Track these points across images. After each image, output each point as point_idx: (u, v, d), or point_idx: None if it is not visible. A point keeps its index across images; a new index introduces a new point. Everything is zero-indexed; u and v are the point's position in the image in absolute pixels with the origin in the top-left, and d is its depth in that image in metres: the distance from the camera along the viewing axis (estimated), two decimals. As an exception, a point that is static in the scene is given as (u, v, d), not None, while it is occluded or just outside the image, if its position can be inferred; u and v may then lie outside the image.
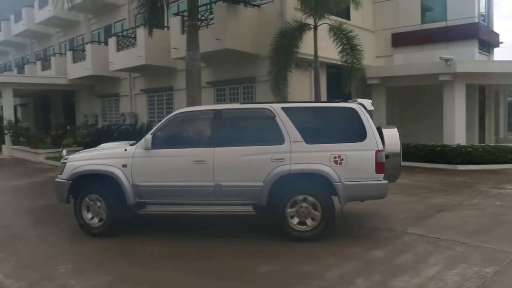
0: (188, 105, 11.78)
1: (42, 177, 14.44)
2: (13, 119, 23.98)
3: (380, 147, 6.49)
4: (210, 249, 6.50)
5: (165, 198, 7.01)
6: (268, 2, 15.18)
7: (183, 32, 15.22)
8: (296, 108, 6.98)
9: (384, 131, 6.90)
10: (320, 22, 13.64)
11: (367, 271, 5.45)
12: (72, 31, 26.84)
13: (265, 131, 6.89)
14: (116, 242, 6.93)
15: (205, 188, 6.73)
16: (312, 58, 13.90)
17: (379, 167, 6.46)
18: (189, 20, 12.21)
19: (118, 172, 6.93)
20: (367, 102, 6.92)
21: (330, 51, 14.26)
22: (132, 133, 18.01)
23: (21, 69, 30.82)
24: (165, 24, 17.72)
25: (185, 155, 6.83)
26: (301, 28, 13.81)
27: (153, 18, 13.52)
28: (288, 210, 6.59)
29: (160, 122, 7.19)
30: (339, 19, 15.04)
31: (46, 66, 26.52)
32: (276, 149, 6.60)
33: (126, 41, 19.00)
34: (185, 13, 14.88)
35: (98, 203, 7.07)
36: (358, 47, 13.95)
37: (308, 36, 13.85)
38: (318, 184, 6.55)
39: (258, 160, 6.60)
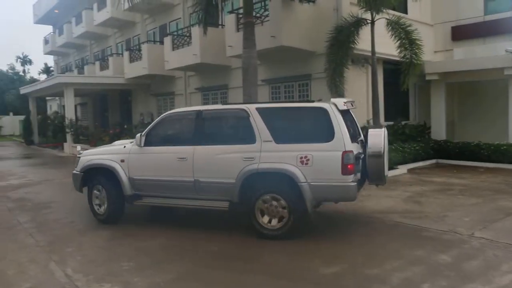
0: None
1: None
2: (73, 118, 24.87)
3: (348, 148, 6.35)
4: (262, 249, 6.47)
5: (156, 191, 7.74)
6: (323, -2, 14.97)
7: (238, 29, 15.24)
8: (269, 108, 7.17)
9: (370, 131, 7.05)
10: (377, 17, 13.29)
11: (434, 276, 5.20)
12: (128, 32, 27.57)
13: (239, 131, 7.33)
14: (177, 240, 7.04)
15: (187, 184, 7.26)
16: (369, 54, 13.58)
17: (345, 169, 6.32)
18: (245, 18, 12.19)
19: (117, 166, 7.85)
20: (340, 102, 6.80)
21: (387, 46, 13.86)
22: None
23: (81, 70, 32.01)
24: (220, 22, 17.81)
25: (171, 152, 7.47)
26: (358, 23, 13.50)
27: (208, 16, 13.61)
28: (257, 207, 6.77)
29: (152, 122, 8.01)
30: (397, 13, 14.57)
31: (104, 66, 27.39)
32: (248, 148, 6.85)
33: (181, 40, 19.26)
34: (240, 11, 14.90)
35: (102, 193, 8.04)
36: (417, 42, 13.45)
37: (365, 32, 13.52)
38: (285, 183, 6.62)
39: (231, 158, 6.93)
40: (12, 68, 68.92)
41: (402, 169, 13.24)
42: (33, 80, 53.31)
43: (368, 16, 13.40)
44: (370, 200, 9.41)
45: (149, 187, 7.74)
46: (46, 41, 40.48)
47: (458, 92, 17.79)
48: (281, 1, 14.05)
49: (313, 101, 7.57)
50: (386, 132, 7.20)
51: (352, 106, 7.36)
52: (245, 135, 6.92)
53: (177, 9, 22.32)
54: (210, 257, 6.21)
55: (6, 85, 54.43)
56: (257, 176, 6.72)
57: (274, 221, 6.73)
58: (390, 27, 13.57)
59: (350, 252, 6.19)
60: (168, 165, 7.45)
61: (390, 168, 12.45)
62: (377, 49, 13.49)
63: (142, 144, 7.62)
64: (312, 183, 6.44)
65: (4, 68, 67.31)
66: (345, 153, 6.34)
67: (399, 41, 13.49)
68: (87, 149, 9.55)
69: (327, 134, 6.48)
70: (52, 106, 43.79)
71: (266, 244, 6.59)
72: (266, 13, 14.57)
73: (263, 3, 15.02)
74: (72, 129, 23.87)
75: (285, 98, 16.03)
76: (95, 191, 8.16)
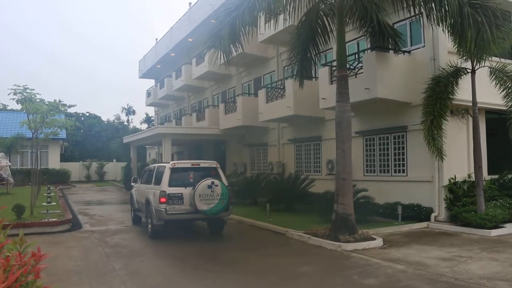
0: (338, 157, 11.64)
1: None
2: (171, 166, 25.85)
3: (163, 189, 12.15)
4: None
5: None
6: (419, 48, 14.67)
7: (331, 82, 15.30)
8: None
9: None
10: (478, 66, 12.71)
11: None
12: (224, 84, 28.72)
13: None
14: None
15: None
16: (470, 104, 12.95)
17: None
18: (338, 71, 12.19)
19: (133, 193, 15.78)
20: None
21: (490, 95, 13.18)
22: (279, 182, 18.29)
23: (178, 120, 33.64)
24: (313, 75, 18.02)
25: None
26: (457, 73, 13.01)
27: (303, 69, 13.80)
28: None
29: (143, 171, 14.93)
30: (502, 60, 13.75)
31: (200, 117, 28.58)
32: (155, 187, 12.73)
33: (275, 92, 19.66)
34: (333, 63, 14.98)
35: None
36: (526, 90, 12.62)
37: (465, 81, 12.98)
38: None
39: (152, 192, 12.79)
40: (118, 118, 74.15)
41: (509, 228, 12.17)
42: (135, 130, 56.84)
43: (468, 65, 12.88)
44: (473, 262, 8.73)
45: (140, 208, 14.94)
46: (148, 94, 43.31)
47: None
48: (375, 53, 13.95)
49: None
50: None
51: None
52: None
53: (271, 62, 22.96)
54: None
55: (111, 134, 58.45)
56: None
57: None
58: (494, 76, 12.90)
59: None
60: (142, 194, 14.47)
61: (495, 226, 11.63)
62: (478, 99, 12.84)
63: (136, 183, 15.27)
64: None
65: (111, 118, 72.66)
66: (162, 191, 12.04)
67: (504, 91, 12.75)
68: None
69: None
70: (151, 154, 46.19)
71: None
72: (360, 65, 14.51)
73: (356, 55, 15.01)
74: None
75: (380, 151, 15.64)
76: None
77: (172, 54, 35.34)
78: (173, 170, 12.39)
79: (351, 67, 14.53)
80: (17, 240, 2.64)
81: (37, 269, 2.44)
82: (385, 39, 13.50)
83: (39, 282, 2.40)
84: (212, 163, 13.16)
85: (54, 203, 19.97)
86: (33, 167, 20.13)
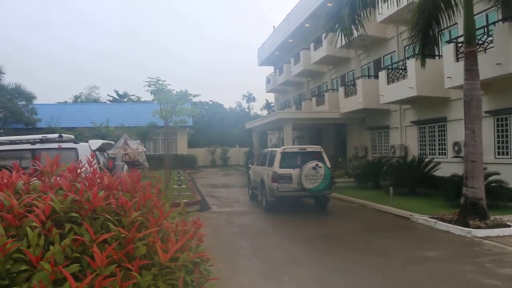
0: (467, 138, 11.06)
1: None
2: (292, 151, 26.38)
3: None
4: None
5: None
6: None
7: (457, 59, 14.51)
8: None
9: None
10: None
11: None
12: (342, 68, 28.42)
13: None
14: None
15: None
16: None
17: None
18: (466, 47, 11.51)
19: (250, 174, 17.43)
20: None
21: None
22: (402, 166, 17.81)
23: (298, 106, 34.07)
24: (436, 53, 17.17)
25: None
26: None
27: (425, 48, 13.24)
28: None
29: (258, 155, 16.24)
30: None
31: (320, 101, 28.68)
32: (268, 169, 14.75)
33: (396, 73, 19.08)
34: (459, 39, 14.16)
35: None
36: None
37: None
38: None
39: (266, 173, 14.89)
40: (239, 105, 76.84)
41: None
42: (256, 116, 58.47)
43: None
44: None
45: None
46: (268, 81, 44.29)
47: None
48: (508, 24, 12.91)
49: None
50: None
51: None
52: None
53: (391, 42, 22.25)
54: None
55: (234, 121, 60.81)
56: None
57: None
58: None
59: None
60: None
61: None
62: None
63: (252, 166, 15.24)
64: None
65: (233, 105, 75.59)
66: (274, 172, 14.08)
67: None
68: None
69: None
70: (272, 139, 47.28)
71: None
72: (490, 39, 13.54)
73: (485, 29, 14.02)
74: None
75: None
76: None
77: (290, 41, 35.66)
78: (283, 154, 14.36)
79: (480, 42, 13.60)
80: (180, 209, 3.10)
81: (200, 234, 2.83)
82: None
83: (201, 247, 2.75)
84: (317, 148, 14.99)
85: (184, 186, 21.50)
86: (165, 152, 21.73)
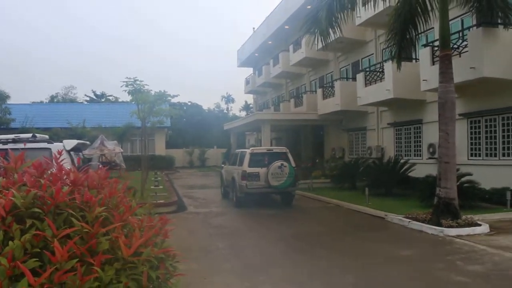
0: (441, 140, 11.23)
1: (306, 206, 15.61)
2: (270, 152, 26.46)
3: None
4: None
5: None
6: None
7: (433, 63, 14.73)
8: None
9: None
10: None
11: None
12: (321, 70, 28.59)
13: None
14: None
15: None
16: None
17: None
18: (441, 51, 11.70)
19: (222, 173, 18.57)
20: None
21: None
22: (378, 167, 18.00)
23: (277, 107, 34.20)
24: (413, 56, 17.41)
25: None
26: None
27: (402, 51, 13.40)
28: None
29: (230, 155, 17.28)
30: None
31: (298, 103, 28.82)
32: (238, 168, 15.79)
33: (373, 75, 19.29)
34: (435, 43, 14.38)
35: None
36: None
37: None
38: None
39: (236, 171, 16.01)
40: (218, 106, 76.61)
41: None
42: (235, 117, 58.35)
43: None
44: None
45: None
46: (247, 82, 44.31)
47: None
48: (481, 29, 13.18)
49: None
50: None
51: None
52: None
53: (369, 45, 22.46)
54: None
55: (212, 122, 60.65)
56: None
57: None
58: None
59: None
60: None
61: None
62: None
63: (224, 165, 15.88)
64: None
65: (212, 106, 75.33)
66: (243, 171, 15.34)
67: None
68: None
69: None
70: (250, 140, 47.30)
71: None
72: (464, 43, 13.79)
73: (460, 33, 14.27)
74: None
75: (486, 133, 14.76)
76: None
77: (270, 42, 35.78)
78: (252, 154, 15.82)
79: (455, 46, 13.84)
80: (146, 206, 3.11)
81: (166, 230, 2.84)
82: (494, 13, 12.62)
83: (166, 243, 2.76)
84: (283, 149, 16.89)
85: (161, 187, 21.37)
86: (142, 153, 21.58)
